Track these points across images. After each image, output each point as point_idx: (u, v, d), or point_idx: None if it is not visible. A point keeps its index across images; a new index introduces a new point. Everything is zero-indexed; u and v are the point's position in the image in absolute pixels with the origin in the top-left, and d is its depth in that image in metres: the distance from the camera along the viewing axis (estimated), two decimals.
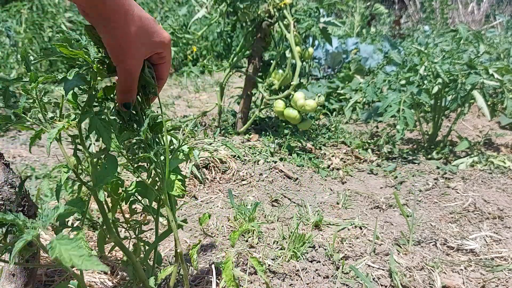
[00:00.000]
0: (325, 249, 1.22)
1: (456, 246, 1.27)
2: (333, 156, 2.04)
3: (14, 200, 0.71)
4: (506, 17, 5.62)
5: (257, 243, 1.26)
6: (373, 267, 1.16)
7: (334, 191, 1.70)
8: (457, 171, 1.84)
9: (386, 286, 1.08)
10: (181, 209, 1.48)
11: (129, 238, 0.93)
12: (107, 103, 0.72)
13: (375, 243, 1.26)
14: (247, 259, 1.17)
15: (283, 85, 2.06)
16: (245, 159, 1.82)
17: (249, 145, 1.99)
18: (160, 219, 1.24)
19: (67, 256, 0.43)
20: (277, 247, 1.25)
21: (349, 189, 1.71)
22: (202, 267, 1.12)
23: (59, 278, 1.03)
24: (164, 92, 3.58)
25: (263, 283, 1.04)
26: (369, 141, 2.25)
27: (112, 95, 0.72)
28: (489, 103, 1.94)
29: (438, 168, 1.88)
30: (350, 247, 1.25)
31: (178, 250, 0.80)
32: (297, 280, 1.09)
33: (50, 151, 0.75)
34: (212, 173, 1.70)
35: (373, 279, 1.10)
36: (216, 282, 1.02)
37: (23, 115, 0.66)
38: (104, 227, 0.76)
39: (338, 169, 1.92)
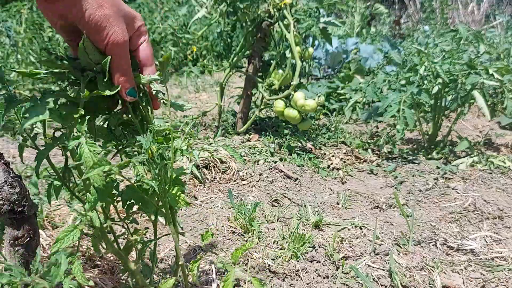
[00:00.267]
0: (325, 249, 1.22)
1: (456, 246, 1.27)
2: (333, 156, 2.04)
3: (14, 200, 0.71)
4: (506, 17, 5.62)
5: (257, 243, 1.26)
6: (373, 267, 1.16)
7: (334, 191, 1.70)
8: (457, 171, 1.84)
9: (386, 286, 1.08)
10: (181, 209, 1.48)
11: (125, 235, 0.92)
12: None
13: (375, 243, 1.26)
14: (247, 259, 1.17)
15: (283, 85, 2.06)
16: (245, 159, 1.82)
17: (249, 145, 1.99)
18: (160, 218, 1.24)
19: None
20: (277, 247, 1.25)
21: (349, 189, 1.71)
22: (202, 268, 1.12)
23: None
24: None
25: None
26: (369, 141, 2.25)
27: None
28: (489, 103, 1.94)
29: (438, 168, 1.88)
30: (350, 247, 1.25)
31: (180, 263, 0.79)
32: (297, 280, 1.09)
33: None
34: (212, 173, 1.70)
35: (373, 279, 1.10)
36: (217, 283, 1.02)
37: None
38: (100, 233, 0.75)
39: (338, 169, 1.92)
